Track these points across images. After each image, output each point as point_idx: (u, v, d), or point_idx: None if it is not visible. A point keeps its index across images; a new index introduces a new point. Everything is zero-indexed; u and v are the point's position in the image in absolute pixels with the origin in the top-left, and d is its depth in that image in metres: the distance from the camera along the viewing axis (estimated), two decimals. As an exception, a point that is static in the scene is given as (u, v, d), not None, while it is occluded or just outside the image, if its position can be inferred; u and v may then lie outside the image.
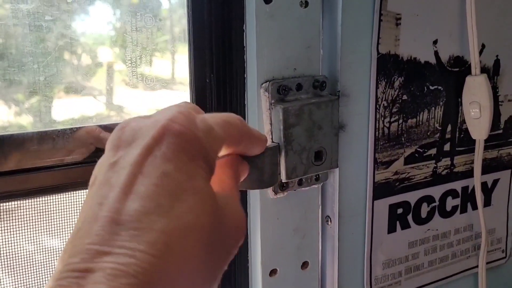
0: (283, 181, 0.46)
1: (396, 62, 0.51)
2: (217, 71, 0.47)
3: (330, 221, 0.52)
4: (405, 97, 0.53)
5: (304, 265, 0.52)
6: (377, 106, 0.51)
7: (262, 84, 0.45)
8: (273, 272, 0.50)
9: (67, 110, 0.46)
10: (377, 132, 0.52)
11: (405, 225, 0.57)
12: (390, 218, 0.55)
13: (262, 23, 0.44)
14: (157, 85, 0.50)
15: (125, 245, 0.18)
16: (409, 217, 0.57)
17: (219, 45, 0.47)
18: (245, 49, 0.47)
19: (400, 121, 0.53)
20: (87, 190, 0.23)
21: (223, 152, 0.27)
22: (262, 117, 0.46)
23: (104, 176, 0.21)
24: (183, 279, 0.19)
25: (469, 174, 0.61)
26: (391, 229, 0.56)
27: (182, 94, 0.51)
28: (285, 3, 0.45)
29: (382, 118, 0.52)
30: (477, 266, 0.64)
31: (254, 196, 0.49)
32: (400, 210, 0.56)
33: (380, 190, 0.54)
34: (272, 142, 0.46)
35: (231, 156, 0.29)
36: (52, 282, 0.18)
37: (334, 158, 0.48)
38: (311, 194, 0.51)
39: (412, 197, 0.57)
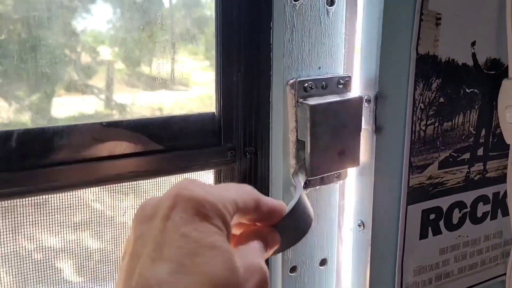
0: (307, 178, 0.46)
1: (434, 63, 0.50)
2: (245, 69, 0.46)
3: (363, 226, 0.51)
4: (441, 99, 0.52)
5: (323, 262, 0.53)
6: (414, 108, 0.50)
7: (289, 81, 0.45)
8: (293, 269, 0.50)
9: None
10: (413, 135, 0.50)
11: (437, 231, 0.55)
12: (423, 224, 0.54)
13: (289, 21, 0.44)
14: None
15: None
16: (441, 223, 0.56)
17: (246, 43, 0.46)
18: (271, 46, 0.46)
19: (436, 124, 0.52)
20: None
21: (243, 220, 0.29)
22: (288, 115, 0.46)
23: (132, 250, 0.24)
24: None
25: (501, 179, 0.59)
26: (423, 235, 0.54)
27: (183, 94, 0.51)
28: (310, 2, 0.45)
29: (419, 121, 0.50)
30: (505, 274, 0.63)
31: (277, 192, 0.49)
32: (432, 216, 0.55)
33: (414, 195, 0.52)
34: (298, 139, 0.46)
35: (255, 227, 0.30)
36: None
37: (356, 156, 0.48)
38: (331, 191, 0.51)
39: (444, 202, 0.55)
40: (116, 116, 0.50)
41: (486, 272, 0.62)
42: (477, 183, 0.57)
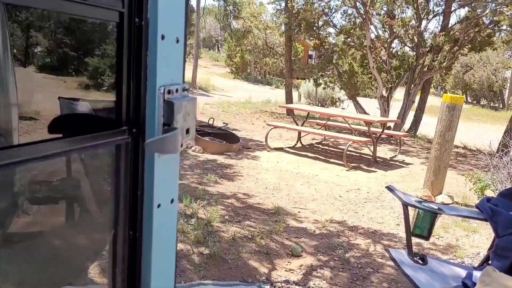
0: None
1: None
2: (134, 79, 0.77)
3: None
4: None
5: (172, 201, 0.84)
6: None
7: (159, 88, 0.76)
8: (159, 205, 0.81)
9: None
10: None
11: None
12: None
13: (158, 51, 0.75)
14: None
15: None
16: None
17: (134, 63, 0.76)
18: (147, 65, 0.76)
19: None
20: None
21: None
22: (159, 108, 0.76)
23: None
24: None
25: None
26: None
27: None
28: (170, 40, 0.76)
29: None
30: None
31: (150, 156, 0.78)
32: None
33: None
34: (164, 123, 0.76)
35: None
36: None
37: (193, 131, 0.81)
38: (176, 155, 0.83)
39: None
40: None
41: None
42: None
